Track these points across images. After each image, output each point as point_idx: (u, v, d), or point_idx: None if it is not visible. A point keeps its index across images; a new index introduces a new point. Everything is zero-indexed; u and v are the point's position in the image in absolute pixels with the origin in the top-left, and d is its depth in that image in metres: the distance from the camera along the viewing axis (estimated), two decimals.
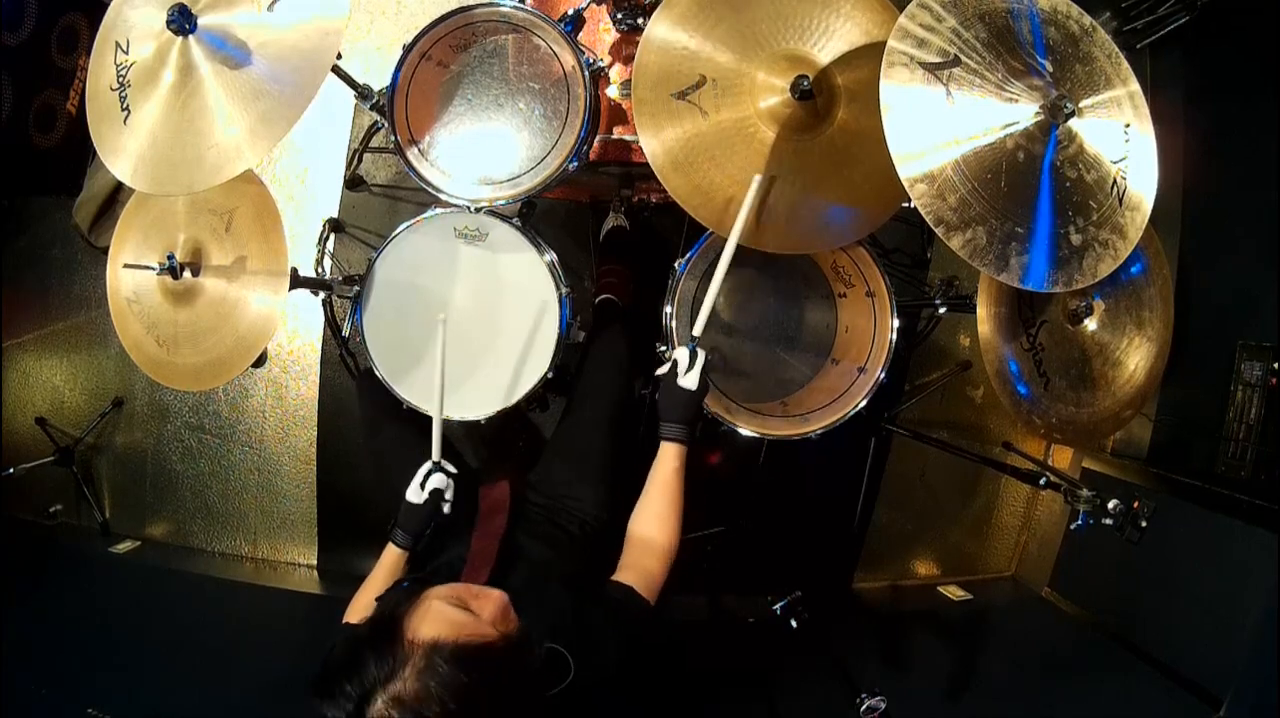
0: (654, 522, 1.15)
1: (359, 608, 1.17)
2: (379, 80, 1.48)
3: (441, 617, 0.79)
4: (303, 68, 1.15)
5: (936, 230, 1.05)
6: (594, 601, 1.06)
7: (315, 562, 2.42)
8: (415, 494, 1.24)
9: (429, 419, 1.46)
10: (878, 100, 1.05)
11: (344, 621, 1.18)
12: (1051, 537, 2.45)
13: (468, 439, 2.17)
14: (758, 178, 1.21)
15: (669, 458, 1.17)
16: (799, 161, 1.27)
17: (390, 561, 1.24)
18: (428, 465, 1.26)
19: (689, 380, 1.17)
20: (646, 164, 1.24)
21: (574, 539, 1.32)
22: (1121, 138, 1.18)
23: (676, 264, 1.48)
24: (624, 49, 1.64)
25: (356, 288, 1.47)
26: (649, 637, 1.07)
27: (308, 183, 2.34)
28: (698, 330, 1.21)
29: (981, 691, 1.93)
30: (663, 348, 1.50)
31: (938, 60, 1.07)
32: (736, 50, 1.26)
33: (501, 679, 0.77)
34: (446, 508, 1.25)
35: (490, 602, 0.84)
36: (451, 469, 1.27)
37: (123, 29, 1.24)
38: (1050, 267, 1.13)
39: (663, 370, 1.21)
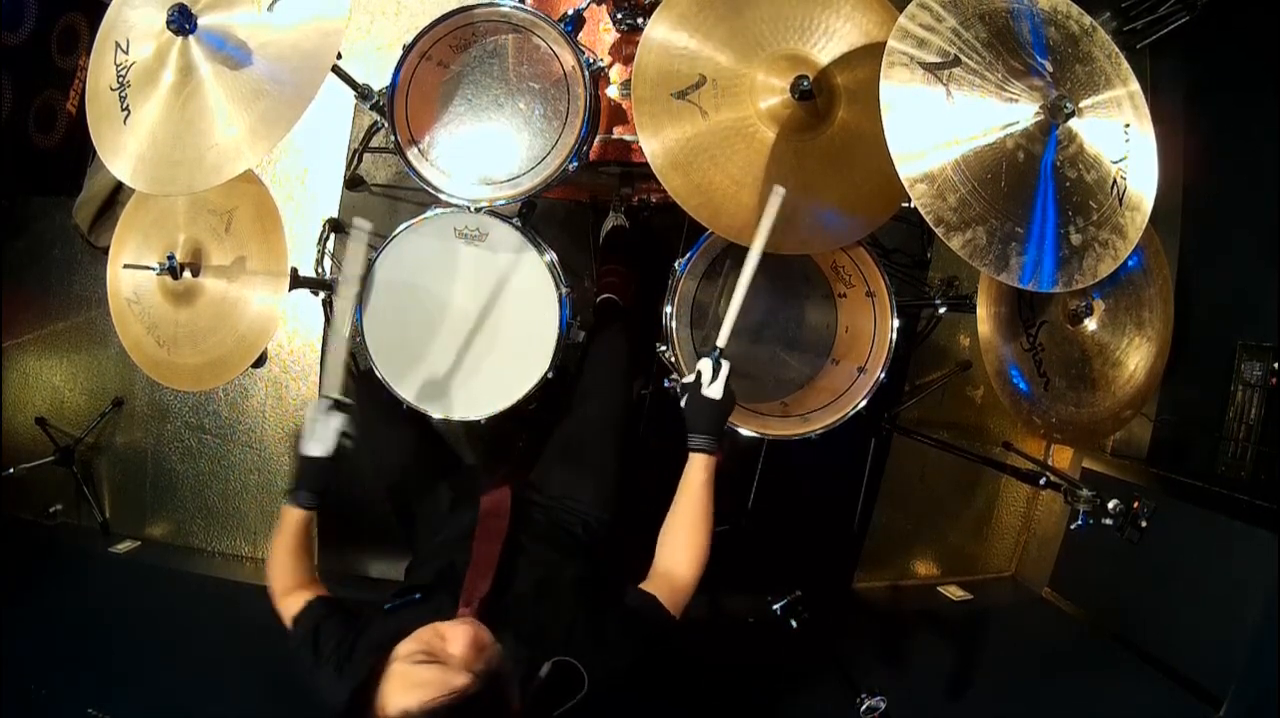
0: (683, 532, 1.15)
1: (279, 577, 1.18)
2: (379, 80, 1.48)
3: (406, 682, 0.79)
4: (303, 68, 1.15)
5: (936, 230, 1.05)
6: (609, 609, 1.05)
7: (315, 562, 2.41)
8: (318, 446, 1.17)
9: (430, 420, 1.46)
10: (878, 100, 1.05)
11: (275, 604, 1.15)
12: (1051, 537, 2.45)
13: (467, 439, 2.17)
14: (779, 190, 1.18)
15: (697, 469, 1.17)
16: (799, 162, 1.27)
17: (296, 525, 1.21)
18: (321, 404, 1.18)
19: (714, 391, 1.17)
20: (646, 164, 1.24)
21: (578, 541, 1.31)
22: (1121, 138, 1.18)
23: (676, 264, 1.48)
24: (624, 49, 1.64)
25: (356, 288, 1.47)
26: (667, 648, 1.06)
27: (308, 183, 2.34)
28: (722, 341, 1.20)
29: (981, 691, 1.93)
30: (663, 348, 1.49)
31: (938, 60, 1.07)
32: (736, 50, 1.25)
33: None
34: (349, 443, 1.20)
35: (459, 638, 0.83)
36: (348, 400, 1.20)
37: (123, 29, 1.24)
38: (1050, 267, 1.13)
39: (688, 380, 1.21)
